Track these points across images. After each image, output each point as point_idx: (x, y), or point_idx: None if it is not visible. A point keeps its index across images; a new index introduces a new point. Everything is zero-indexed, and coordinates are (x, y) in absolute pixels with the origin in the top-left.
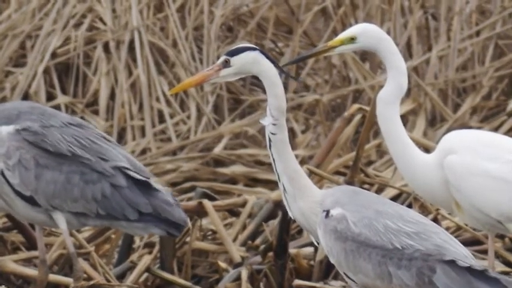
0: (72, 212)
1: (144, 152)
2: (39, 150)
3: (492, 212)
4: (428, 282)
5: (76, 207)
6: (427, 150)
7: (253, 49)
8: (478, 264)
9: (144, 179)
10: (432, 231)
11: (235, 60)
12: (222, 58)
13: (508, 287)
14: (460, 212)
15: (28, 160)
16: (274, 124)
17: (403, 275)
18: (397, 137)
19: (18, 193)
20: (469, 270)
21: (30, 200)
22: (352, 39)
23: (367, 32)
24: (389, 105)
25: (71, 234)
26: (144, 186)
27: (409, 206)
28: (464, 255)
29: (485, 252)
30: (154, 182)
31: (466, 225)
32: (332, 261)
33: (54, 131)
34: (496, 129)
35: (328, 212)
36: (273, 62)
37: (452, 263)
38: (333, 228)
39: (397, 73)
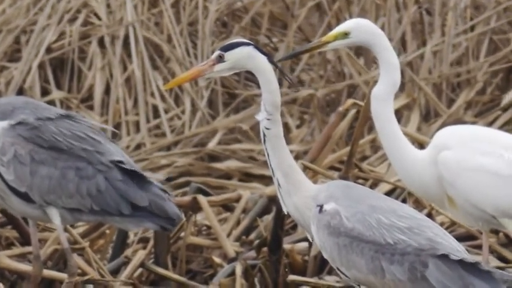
0: (66, 207)
1: (138, 147)
2: (35, 146)
3: (487, 207)
4: (420, 277)
5: (70, 203)
6: (421, 145)
7: (248, 44)
8: (471, 258)
9: (138, 171)
10: (425, 225)
11: (229, 55)
12: (216, 53)
13: (500, 280)
14: (453, 208)
15: (23, 156)
16: (268, 119)
17: (396, 270)
18: (391, 133)
19: (12, 189)
20: (461, 264)
21: (25, 196)
22: (345, 35)
23: (360, 27)
24: (383, 102)
25: (66, 230)
26: (138, 180)
27: (404, 200)
28: (457, 250)
29: (479, 247)
30: (148, 176)
31: None
32: (325, 256)
33: (50, 124)
34: (490, 124)
35: (321, 206)
36: (267, 56)
37: (444, 258)
38: (326, 223)
39: (390, 69)
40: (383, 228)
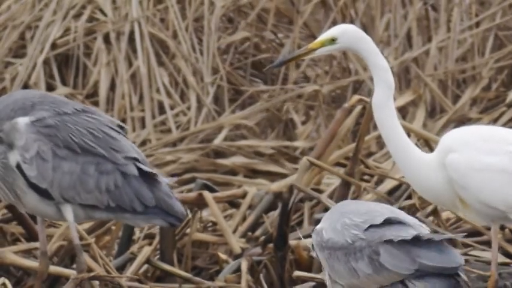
0: (82, 204)
1: (144, 143)
2: (56, 142)
3: (500, 204)
4: (379, 265)
5: (88, 199)
6: (426, 141)
7: None
8: (424, 231)
9: (150, 171)
10: (379, 214)
11: None
12: None
13: (442, 241)
14: (467, 208)
15: (46, 152)
16: None
17: (362, 266)
18: (397, 140)
19: (33, 186)
20: (405, 241)
21: (44, 193)
22: (332, 41)
23: (347, 33)
24: (385, 108)
25: None
26: (149, 179)
27: (409, 197)
28: (413, 225)
29: (485, 243)
30: (159, 174)
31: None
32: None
33: (68, 121)
34: (495, 120)
35: (314, 229)
36: None
37: (390, 241)
38: (316, 242)
39: (381, 72)
40: (345, 230)
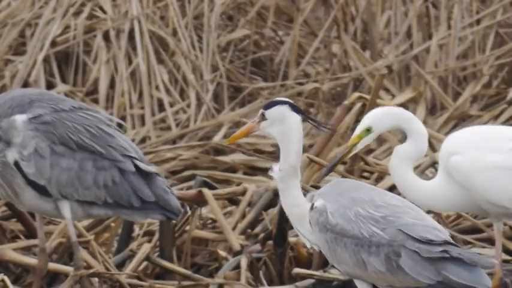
0: (80, 200)
1: (143, 140)
2: (54, 138)
3: (506, 202)
4: (396, 266)
5: (86, 195)
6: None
7: (284, 103)
8: (448, 240)
9: (147, 169)
10: (401, 212)
11: (268, 114)
12: (260, 111)
13: (471, 264)
14: None
15: (43, 149)
16: (281, 175)
17: (374, 261)
18: (408, 185)
19: (31, 182)
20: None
21: (42, 190)
22: (368, 131)
23: (379, 119)
24: (404, 162)
25: None
26: (146, 175)
27: None
28: (436, 229)
29: (485, 240)
30: (155, 170)
31: (467, 213)
32: (323, 252)
33: (66, 118)
34: (496, 118)
35: (313, 204)
36: (302, 114)
37: (415, 245)
38: (316, 221)
39: (418, 137)
40: (360, 221)
